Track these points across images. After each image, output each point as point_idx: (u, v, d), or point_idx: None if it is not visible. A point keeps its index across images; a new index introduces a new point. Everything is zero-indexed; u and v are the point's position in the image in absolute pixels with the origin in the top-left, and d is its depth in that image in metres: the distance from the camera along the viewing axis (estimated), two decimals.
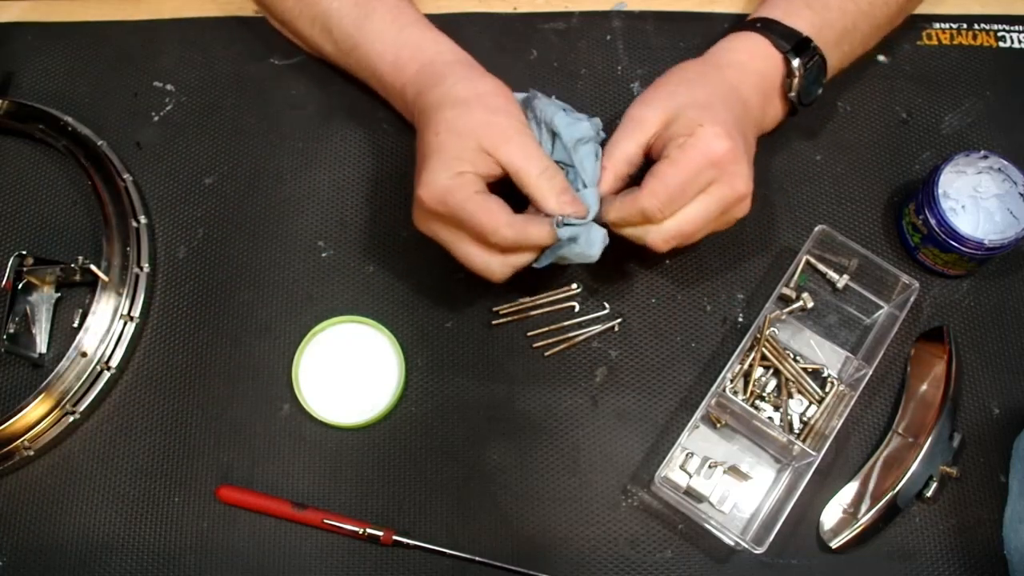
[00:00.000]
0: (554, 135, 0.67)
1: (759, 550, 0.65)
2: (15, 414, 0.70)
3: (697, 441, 0.72)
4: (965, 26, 0.84)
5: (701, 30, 0.83)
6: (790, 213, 0.78)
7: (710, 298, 0.76)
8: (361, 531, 0.69)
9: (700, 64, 0.71)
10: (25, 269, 0.74)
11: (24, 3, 0.86)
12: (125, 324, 0.74)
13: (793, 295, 0.74)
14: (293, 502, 0.70)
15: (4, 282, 0.74)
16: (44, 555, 0.70)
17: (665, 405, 0.73)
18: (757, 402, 0.72)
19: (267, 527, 0.70)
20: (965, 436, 0.71)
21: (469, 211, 0.63)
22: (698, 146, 0.63)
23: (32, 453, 0.71)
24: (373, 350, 0.74)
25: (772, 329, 0.73)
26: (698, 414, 0.69)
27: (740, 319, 0.75)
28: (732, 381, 0.72)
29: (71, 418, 0.72)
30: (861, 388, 0.70)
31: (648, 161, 0.67)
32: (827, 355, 0.74)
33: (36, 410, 0.70)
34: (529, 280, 0.71)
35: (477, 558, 0.69)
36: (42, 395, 0.70)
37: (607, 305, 0.75)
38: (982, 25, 0.84)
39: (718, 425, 0.72)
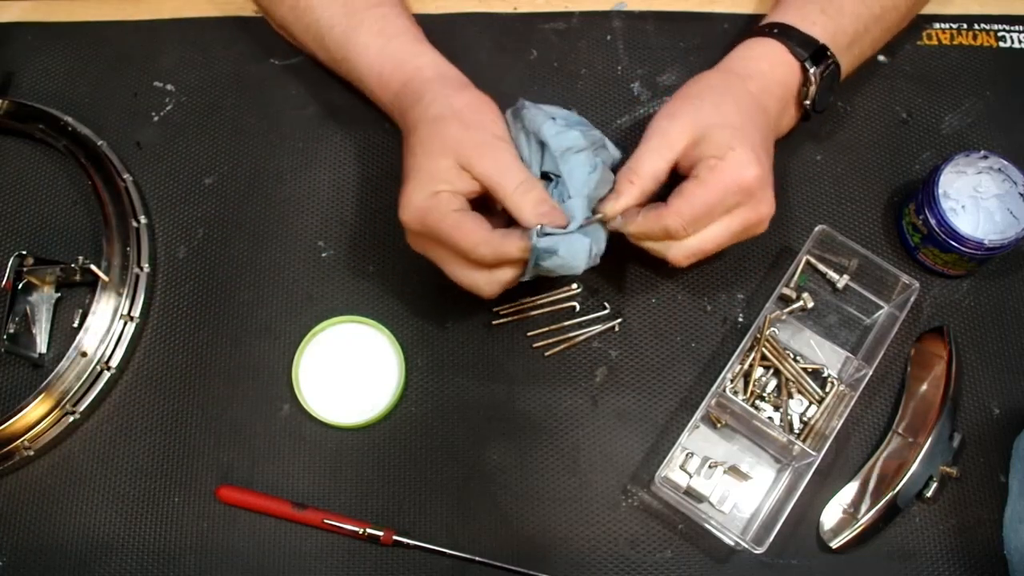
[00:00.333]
0: (542, 146, 0.66)
1: (759, 550, 0.65)
2: (15, 414, 0.70)
3: (697, 441, 0.72)
4: (965, 26, 0.84)
5: (701, 30, 0.83)
6: (790, 213, 0.78)
7: (710, 298, 0.76)
8: (361, 531, 0.69)
9: (723, 75, 0.69)
10: (25, 269, 0.74)
11: (24, 3, 0.86)
12: (125, 324, 0.74)
13: (793, 295, 0.74)
14: (293, 502, 0.70)
15: (4, 282, 0.74)
16: (44, 555, 0.70)
17: (665, 405, 0.73)
18: (757, 402, 0.72)
19: (267, 527, 0.70)
20: (965, 436, 0.71)
21: (445, 231, 0.63)
22: (728, 171, 0.63)
23: (32, 453, 0.71)
24: (373, 350, 0.74)
25: (772, 329, 0.73)
26: (698, 414, 0.69)
27: (740, 319, 0.75)
28: (732, 381, 0.72)
29: (71, 418, 0.72)
30: (861, 388, 0.70)
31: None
32: (827, 355, 0.74)
33: (36, 410, 0.70)
34: (529, 281, 0.71)
35: (477, 558, 0.69)
36: (42, 395, 0.70)
37: (607, 305, 0.75)
38: (982, 25, 0.84)
39: (718, 425, 0.72)
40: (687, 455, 0.70)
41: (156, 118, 0.82)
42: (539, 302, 0.75)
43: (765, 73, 0.70)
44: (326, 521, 0.69)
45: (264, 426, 0.73)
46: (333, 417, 0.72)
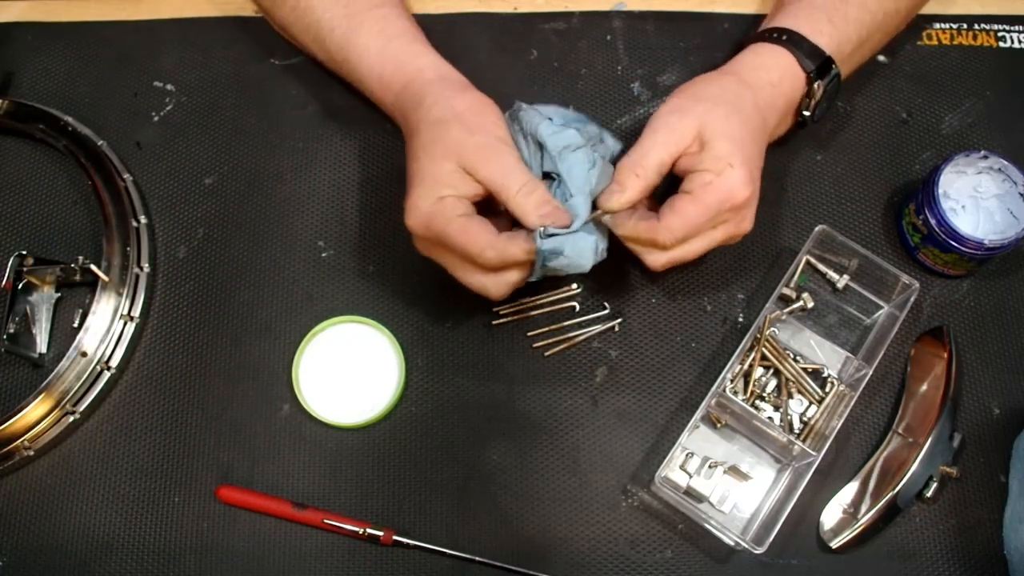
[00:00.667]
0: (540, 146, 0.66)
1: (759, 550, 0.65)
2: (15, 414, 0.70)
3: (697, 441, 0.72)
4: (965, 26, 0.84)
5: (701, 30, 0.83)
6: (790, 213, 0.78)
7: (710, 298, 0.76)
8: (361, 531, 0.69)
9: (734, 82, 0.69)
10: (25, 269, 0.74)
11: (24, 3, 0.86)
12: (125, 324, 0.74)
13: (793, 295, 0.74)
14: (293, 502, 0.70)
15: (4, 282, 0.74)
16: (44, 555, 0.70)
17: (665, 405, 0.73)
18: (757, 402, 0.72)
19: (267, 527, 0.70)
20: (965, 436, 0.71)
21: (452, 236, 0.63)
22: (724, 188, 0.63)
23: (32, 453, 0.71)
24: (373, 350, 0.74)
25: (772, 329, 0.73)
26: (698, 414, 0.69)
27: (740, 319, 0.75)
28: (732, 381, 0.72)
29: (71, 418, 0.72)
30: (861, 388, 0.70)
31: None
32: (827, 355, 0.74)
33: (36, 410, 0.70)
34: (535, 280, 0.71)
35: (477, 558, 0.69)
36: (42, 395, 0.70)
37: (607, 305, 0.75)
38: (982, 25, 0.84)
39: (718, 425, 0.72)
40: (687, 455, 0.70)
41: (156, 118, 0.82)
42: (539, 302, 0.75)
43: (774, 85, 0.69)
44: (326, 521, 0.69)
45: (264, 426, 0.73)
46: (333, 417, 0.72)
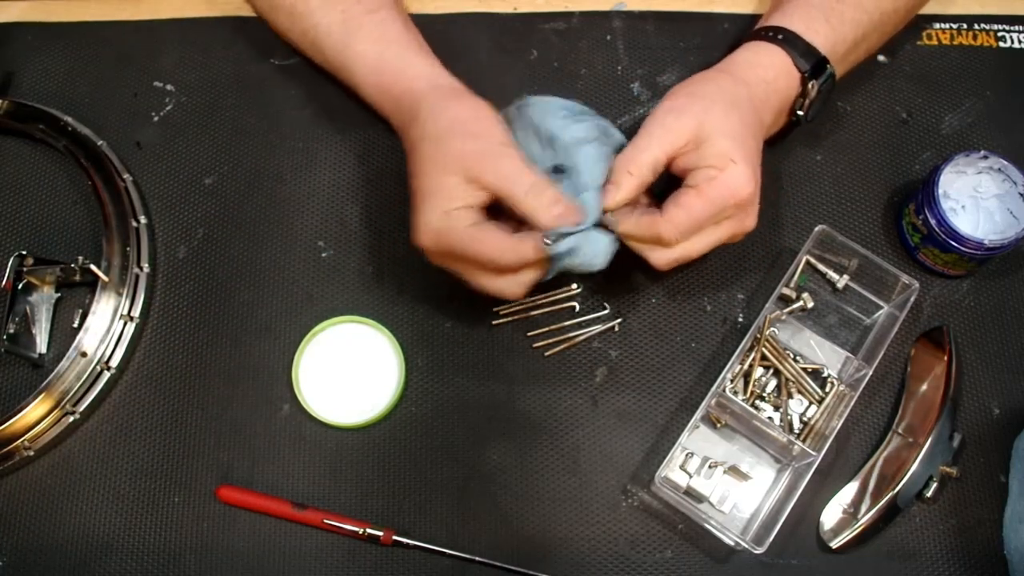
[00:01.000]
0: (551, 140, 0.65)
1: (759, 550, 0.65)
2: (15, 414, 0.70)
3: (697, 441, 0.72)
4: (965, 26, 0.84)
5: (701, 30, 0.83)
6: (790, 213, 0.78)
7: (710, 298, 0.76)
8: (361, 531, 0.69)
9: (729, 80, 0.69)
10: (25, 269, 0.74)
11: (24, 3, 0.86)
12: (125, 324, 0.74)
13: (793, 295, 0.74)
14: (293, 502, 0.70)
15: (4, 282, 0.74)
16: (44, 555, 0.70)
17: (665, 405, 0.73)
18: (757, 402, 0.72)
19: (267, 527, 0.70)
20: (965, 436, 0.71)
21: (464, 247, 0.63)
22: (727, 184, 0.63)
23: (32, 453, 0.71)
24: (373, 350, 0.74)
25: (772, 329, 0.73)
26: (698, 414, 0.69)
27: (740, 319, 0.75)
28: (732, 381, 0.72)
29: (71, 418, 0.72)
30: (861, 388, 0.70)
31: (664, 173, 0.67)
32: (827, 355, 0.74)
33: (36, 410, 0.70)
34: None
35: (477, 558, 0.69)
36: (42, 395, 0.70)
37: (607, 305, 0.75)
38: (982, 25, 0.84)
39: (718, 425, 0.72)
40: (687, 455, 0.70)
41: (156, 118, 0.82)
42: (539, 302, 0.75)
43: (768, 82, 0.69)
44: (326, 521, 0.69)
45: (264, 426, 0.73)
46: (333, 417, 0.72)
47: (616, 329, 0.75)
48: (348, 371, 0.73)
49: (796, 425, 0.72)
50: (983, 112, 0.81)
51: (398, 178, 0.79)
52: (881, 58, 0.82)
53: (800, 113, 0.72)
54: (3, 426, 0.70)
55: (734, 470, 0.70)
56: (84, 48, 0.84)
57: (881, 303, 0.75)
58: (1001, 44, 0.83)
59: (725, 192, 0.63)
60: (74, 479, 0.72)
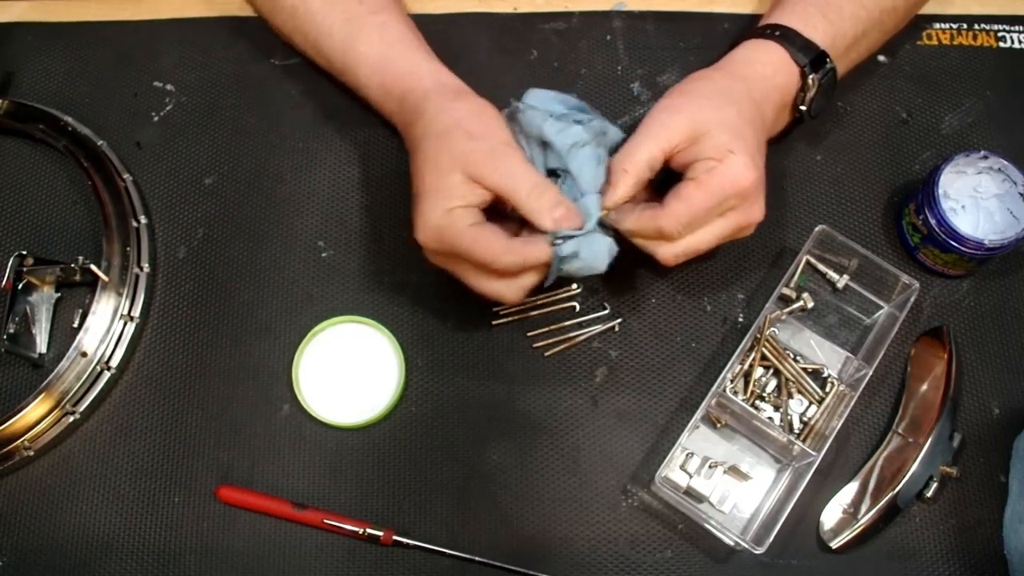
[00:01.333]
0: (546, 144, 0.65)
1: (759, 550, 0.65)
2: (15, 414, 0.70)
3: (697, 441, 0.72)
4: (965, 26, 0.84)
5: (701, 30, 0.83)
6: (790, 213, 0.78)
7: (710, 298, 0.76)
8: (361, 531, 0.69)
9: (725, 77, 0.69)
10: (25, 269, 0.74)
11: (24, 3, 0.86)
12: (125, 324, 0.74)
13: (793, 295, 0.74)
14: (293, 502, 0.70)
15: (4, 282, 0.74)
16: (44, 555, 0.70)
17: (665, 405, 0.73)
18: (757, 402, 0.72)
19: (267, 527, 0.70)
20: (965, 436, 0.71)
21: (465, 246, 0.62)
22: (727, 174, 0.63)
23: (32, 453, 0.71)
24: (373, 350, 0.74)
25: (772, 329, 0.73)
26: (698, 414, 0.69)
27: (740, 319, 0.75)
28: (732, 381, 0.72)
29: (71, 418, 0.72)
30: (861, 388, 0.70)
31: (663, 170, 0.67)
32: (827, 355, 0.74)
33: (36, 410, 0.70)
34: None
35: (477, 558, 0.69)
36: (42, 395, 0.70)
37: (607, 305, 0.75)
38: (982, 25, 0.84)
39: (718, 425, 0.72)
40: (687, 455, 0.70)
41: (156, 118, 0.82)
42: (539, 302, 0.75)
43: (767, 78, 0.70)
44: (326, 521, 0.69)
45: (264, 426, 0.73)
46: (333, 417, 0.72)
47: (616, 329, 0.75)
48: (348, 371, 0.73)
49: (796, 425, 0.72)
50: (983, 112, 0.81)
51: (398, 178, 0.79)
52: (881, 58, 0.82)
53: (803, 108, 0.72)
54: (3, 426, 0.70)
55: (734, 470, 0.70)
56: (84, 48, 0.84)
57: (881, 303, 0.75)
58: (1001, 44, 0.83)
59: (724, 182, 0.63)
60: (74, 479, 0.72)
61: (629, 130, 0.79)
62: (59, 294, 0.76)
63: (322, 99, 0.81)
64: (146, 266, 0.76)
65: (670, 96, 0.68)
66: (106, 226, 0.75)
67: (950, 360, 0.72)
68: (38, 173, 0.80)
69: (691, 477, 0.69)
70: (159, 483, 0.72)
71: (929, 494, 0.68)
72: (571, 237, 0.62)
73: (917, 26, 0.83)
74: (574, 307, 0.75)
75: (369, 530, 0.69)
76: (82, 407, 0.72)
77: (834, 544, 0.68)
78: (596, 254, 0.63)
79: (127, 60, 0.83)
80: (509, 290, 0.65)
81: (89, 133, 0.79)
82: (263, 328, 0.75)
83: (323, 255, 0.77)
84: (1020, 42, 0.83)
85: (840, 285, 0.75)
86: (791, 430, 0.71)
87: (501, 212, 0.66)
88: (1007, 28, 0.83)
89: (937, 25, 0.84)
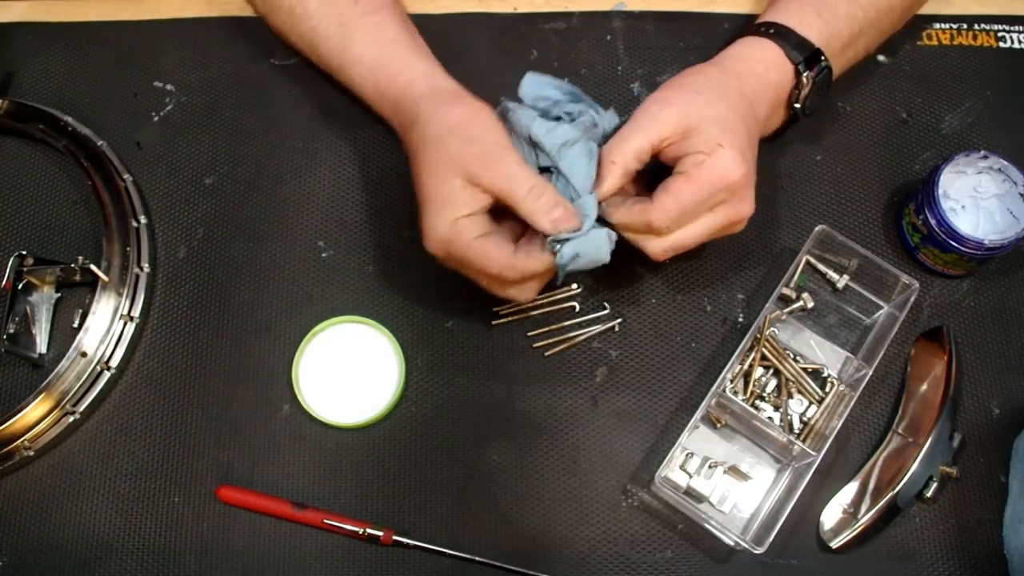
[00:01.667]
0: (536, 145, 0.65)
1: (759, 550, 0.65)
2: (15, 414, 0.70)
3: (697, 441, 0.72)
4: (965, 26, 0.84)
5: (701, 30, 0.83)
6: (790, 213, 0.78)
7: (710, 298, 0.76)
8: (361, 531, 0.69)
9: (718, 72, 0.69)
10: (25, 269, 0.74)
11: (24, 3, 0.86)
12: (125, 324, 0.74)
13: (793, 295, 0.74)
14: (293, 502, 0.70)
15: (4, 282, 0.74)
16: (44, 555, 0.70)
17: (665, 405, 0.73)
18: (757, 402, 0.72)
19: (267, 527, 0.70)
20: (965, 436, 0.71)
21: (471, 259, 0.63)
22: (716, 168, 0.63)
23: (32, 453, 0.71)
24: (373, 350, 0.74)
25: (772, 329, 0.73)
26: (698, 414, 0.69)
27: (740, 319, 0.75)
28: (732, 381, 0.72)
29: (71, 418, 0.72)
30: (861, 388, 0.70)
31: (655, 164, 0.67)
32: (827, 355, 0.74)
33: (36, 410, 0.70)
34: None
35: (477, 558, 0.69)
36: (42, 395, 0.70)
37: (607, 305, 0.75)
38: (982, 25, 0.84)
39: (718, 425, 0.72)
40: (687, 455, 0.70)
41: (156, 118, 0.82)
42: (539, 302, 0.75)
43: (760, 75, 0.70)
44: (326, 521, 0.69)
45: (264, 426, 0.73)
46: (333, 417, 0.72)
47: (616, 329, 0.75)
48: (348, 371, 0.73)
49: (796, 425, 0.72)
50: (983, 112, 0.81)
51: (398, 178, 0.79)
52: (881, 58, 0.82)
53: (797, 106, 0.72)
54: (3, 426, 0.70)
55: (734, 470, 0.70)
56: (84, 48, 0.84)
57: (881, 303, 0.75)
58: (1001, 44, 0.83)
59: (713, 176, 0.63)
60: (74, 479, 0.72)
61: None
62: (59, 294, 0.76)
63: (322, 99, 0.81)
64: (146, 266, 0.76)
65: (662, 89, 0.68)
66: (106, 226, 0.75)
67: (950, 360, 0.72)
68: (38, 173, 0.80)
69: (691, 477, 0.69)
70: (159, 483, 0.72)
71: (929, 494, 0.68)
72: (571, 239, 0.63)
73: (917, 26, 0.83)
74: (574, 307, 0.75)
75: (369, 530, 0.69)
76: (82, 407, 0.72)
77: (834, 544, 0.68)
78: (598, 248, 0.64)
79: (127, 60, 0.83)
80: (520, 292, 0.67)
81: (89, 133, 0.79)
82: (263, 328, 0.75)
83: (323, 255, 0.77)
84: (1020, 42, 0.83)
85: (840, 285, 0.75)
86: (791, 430, 0.71)
87: (506, 211, 0.66)
88: (1007, 28, 0.83)
89: (937, 25, 0.84)
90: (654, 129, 0.65)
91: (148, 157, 0.80)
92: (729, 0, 0.85)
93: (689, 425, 0.69)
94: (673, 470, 0.70)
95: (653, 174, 0.68)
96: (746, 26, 0.74)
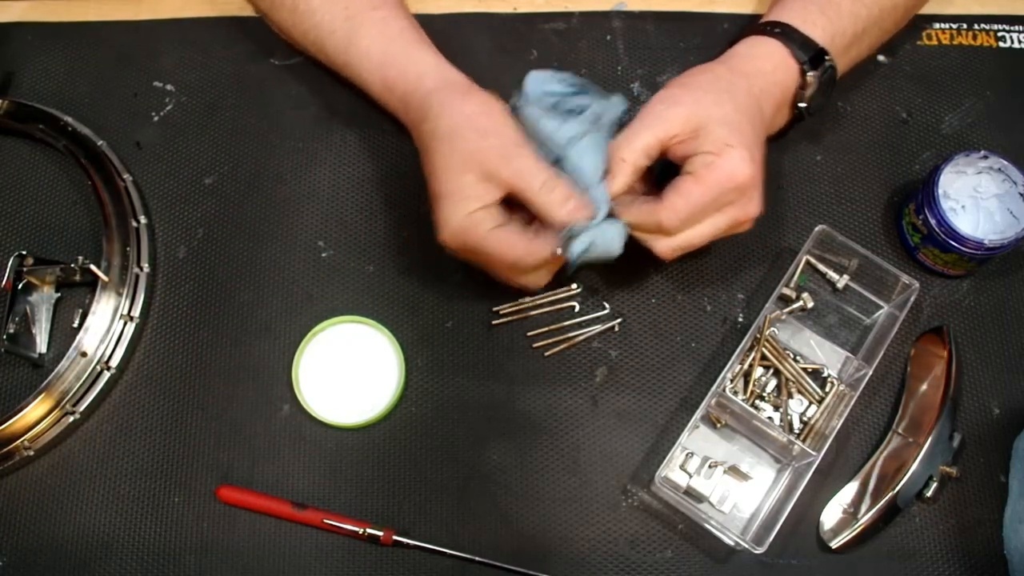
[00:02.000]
0: (545, 141, 0.66)
1: (759, 550, 0.65)
2: (15, 414, 0.70)
3: (697, 441, 0.72)
4: (965, 26, 0.84)
5: (701, 30, 0.83)
6: (790, 213, 0.78)
7: (710, 298, 0.76)
8: (361, 531, 0.69)
9: (726, 71, 0.69)
10: (25, 269, 0.74)
11: (24, 3, 0.86)
12: (125, 324, 0.74)
13: (793, 295, 0.74)
14: (293, 502, 0.70)
15: (4, 282, 0.74)
16: (44, 555, 0.70)
17: (665, 405, 0.73)
18: (757, 402, 0.72)
19: (267, 527, 0.70)
20: (965, 436, 0.71)
21: (487, 250, 0.64)
22: (725, 168, 0.63)
23: (32, 453, 0.71)
24: (373, 350, 0.74)
25: (772, 329, 0.73)
26: (698, 414, 0.69)
27: (740, 319, 0.75)
28: (732, 381, 0.72)
29: (71, 418, 0.72)
30: (861, 388, 0.70)
31: (662, 162, 0.67)
32: (827, 355, 0.74)
33: (36, 410, 0.70)
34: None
35: (477, 558, 0.69)
36: (42, 395, 0.70)
37: (607, 305, 0.75)
38: (982, 25, 0.84)
39: (718, 425, 0.72)
40: (687, 455, 0.70)
41: (156, 118, 0.82)
42: (539, 302, 0.75)
43: (767, 74, 0.70)
44: (326, 521, 0.69)
45: (264, 426, 0.73)
46: (333, 417, 0.72)
47: (616, 329, 0.75)
48: (348, 371, 0.73)
49: (796, 425, 0.72)
50: (983, 112, 0.81)
51: (398, 178, 0.79)
52: (881, 58, 0.82)
53: (802, 105, 0.72)
54: (3, 426, 0.70)
55: (734, 470, 0.70)
56: (84, 48, 0.84)
57: (881, 303, 0.75)
58: (1001, 44, 0.83)
59: (722, 176, 0.63)
60: (74, 479, 0.72)
61: None
62: (59, 294, 0.76)
63: (322, 99, 0.81)
64: (146, 266, 0.76)
65: (670, 87, 0.68)
66: (106, 226, 0.75)
67: (950, 360, 0.72)
68: (38, 173, 0.80)
69: (691, 477, 0.69)
70: (159, 483, 0.72)
71: (929, 494, 0.68)
72: (584, 230, 0.64)
73: (917, 26, 0.83)
74: (574, 307, 0.75)
75: (369, 530, 0.69)
76: (82, 407, 0.72)
77: (834, 544, 0.68)
78: (611, 240, 0.65)
79: (127, 60, 0.83)
80: (534, 279, 0.68)
81: (89, 133, 0.79)
82: (263, 328, 0.75)
83: (323, 255, 0.77)
84: (1020, 42, 0.83)
85: (840, 285, 0.75)
86: (791, 430, 0.71)
87: (518, 202, 0.66)
88: (1007, 28, 0.83)
89: (937, 25, 0.84)
90: (661, 128, 0.65)
91: (148, 157, 0.80)
92: (729, 0, 0.84)
93: (689, 425, 0.69)
94: (673, 470, 0.70)
95: (661, 173, 0.68)
96: (751, 25, 0.74)
